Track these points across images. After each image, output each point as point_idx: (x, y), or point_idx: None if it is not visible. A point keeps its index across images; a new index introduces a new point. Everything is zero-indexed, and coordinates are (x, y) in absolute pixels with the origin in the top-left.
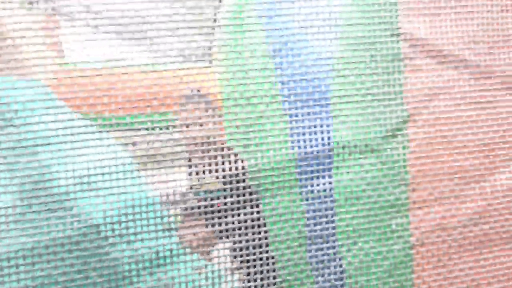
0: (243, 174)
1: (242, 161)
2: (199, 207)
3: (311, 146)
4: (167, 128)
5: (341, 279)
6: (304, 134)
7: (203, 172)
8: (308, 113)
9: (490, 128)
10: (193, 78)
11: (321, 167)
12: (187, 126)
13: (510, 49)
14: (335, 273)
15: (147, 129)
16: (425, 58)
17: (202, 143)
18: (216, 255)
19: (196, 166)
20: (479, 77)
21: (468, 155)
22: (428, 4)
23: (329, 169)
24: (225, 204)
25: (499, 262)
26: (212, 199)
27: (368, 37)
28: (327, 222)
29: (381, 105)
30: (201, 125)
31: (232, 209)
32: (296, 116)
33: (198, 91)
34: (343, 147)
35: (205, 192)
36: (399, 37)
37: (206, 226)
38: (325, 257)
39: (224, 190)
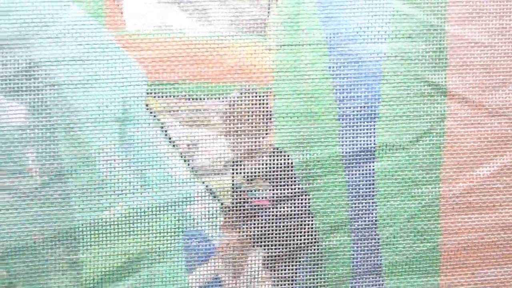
0: (288, 167)
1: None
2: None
3: (358, 145)
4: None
5: (375, 221)
6: (352, 136)
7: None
8: (358, 123)
9: (476, 137)
10: (244, 51)
11: (365, 157)
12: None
13: (493, 91)
14: (370, 218)
15: (195, 98)
16: (439, 95)
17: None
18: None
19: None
20: (474, 108)
21: (462, 154)
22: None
23: (372, 159)
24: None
25: (476, 217)
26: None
27: (411, 92)
28: (366, 185)
29: (410, 122)
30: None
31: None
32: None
33: (250, 88)
34: (385, 145)
35: (253, 190)
36: (440, 91)
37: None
38: (363, 206)
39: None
